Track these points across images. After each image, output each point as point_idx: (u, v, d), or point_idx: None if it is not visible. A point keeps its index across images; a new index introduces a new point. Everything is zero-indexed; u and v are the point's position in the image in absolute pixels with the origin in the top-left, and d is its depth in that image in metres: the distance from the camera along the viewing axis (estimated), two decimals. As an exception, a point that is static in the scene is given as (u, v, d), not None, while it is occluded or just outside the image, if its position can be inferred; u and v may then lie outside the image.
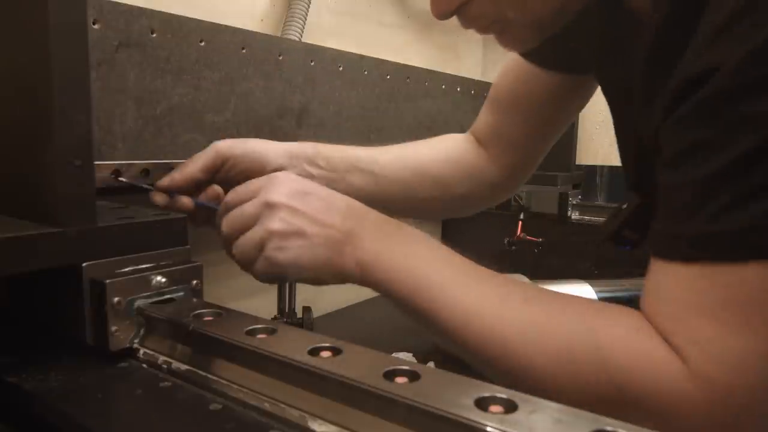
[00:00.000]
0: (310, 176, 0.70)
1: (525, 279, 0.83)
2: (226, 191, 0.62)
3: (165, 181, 0.64)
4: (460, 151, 0.82)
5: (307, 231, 0.52)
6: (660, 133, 0.44)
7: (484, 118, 0.84)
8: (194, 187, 0.65)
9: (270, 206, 0.53)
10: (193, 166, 0.65)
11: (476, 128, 0.85)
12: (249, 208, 0.54)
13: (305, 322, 0.89)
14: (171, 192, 0.64)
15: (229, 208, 0.56)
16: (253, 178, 0.58)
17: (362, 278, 0.53)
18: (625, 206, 0.63)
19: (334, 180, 0.72)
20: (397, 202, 0.77)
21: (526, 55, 0.76)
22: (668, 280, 0.43)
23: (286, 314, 0.91)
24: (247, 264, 0.54)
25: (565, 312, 0.47)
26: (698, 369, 0.41)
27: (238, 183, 0.58)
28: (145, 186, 0.66)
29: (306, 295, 1.13)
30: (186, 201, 0.64)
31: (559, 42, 0.70)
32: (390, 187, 0.76)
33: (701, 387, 0.41)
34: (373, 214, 0.56)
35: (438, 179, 0.79)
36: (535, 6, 0.53)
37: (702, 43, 0.40)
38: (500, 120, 0.81)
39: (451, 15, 0.55)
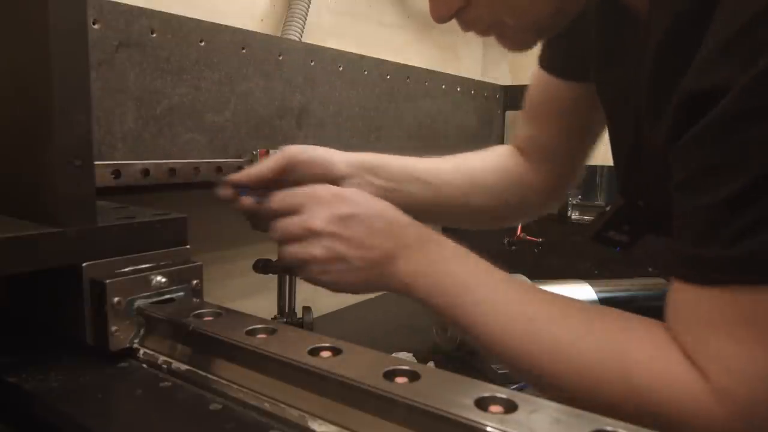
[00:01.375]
0: (371, 186, 0.72)
1: (525, 279, 0.83)
2: None
3: (237, 175, 0.66)
4: (507, 162, 0.83)
5: (348, 256, 0.55)
6: (670, 151, 0.44)
7: (521, 128, 0.85)
8: (262, 187, 0.65)
9: (313, 233, 0.55)
10: (264, 165, 0.66)
11: (517, 138, 0.85)
12: (293, 228, 0.57)
13: (305, 322, 0.89)
14: (240, 189, 0.65)
15: (276, 214, 0.59)
16: (317, 178, 0.63)
17: (405, 293, 0.56)
18: (608, 208, 0.63)
19: (394, 189, 0.74)
20: (453, 210, 0.80)
21: (543, 65, 0.76)
22: (688, 301, 0.44)
23: (286, 314, 0.91)
24: (302, 271, 0.57)
25: (592, 331, 0.48)
26: (719, 384, 0.42)
27: (306, 176, 0.64)
28: (214, 180, 0.68)
29: (306, 295, 1.13)
30: (248, 201, 0.65)
31: (569, 51, 0.70)
32: (446, 197, 0.78)
33: (722, 401, 0.42)
34: (413, 231, 0.57)
35: (490, 189, 0.81)
36: (531, 10, 0.54)
37: (709, 57, 0.40)
38: (536, 130, 0.82)
39: (450, 19, 0.56)
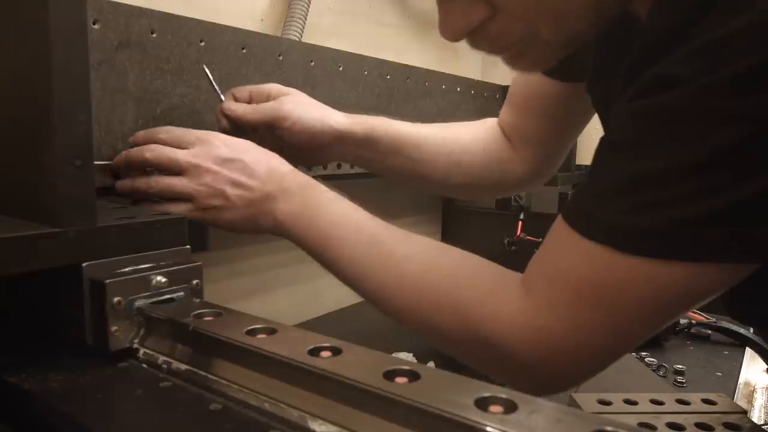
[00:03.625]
0: (355, 157, 0.80)
1: None
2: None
3: (239, 110, 0.72)
4: (492, 142, 0.85)
5: (228, 194, 0.59)
6: (615, 109, 0.47)
7: (504, 114, 0.86)
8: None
9: (197, 168, 0.60)
10: (261, 113, 0.72)
11: (501, 121, 0.87)
12: (179, 160, 0.60)
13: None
14: (233, 121, 0.72)
15: (163, 140, 0.63)
16: (300, 142, 0.73)
17: (279, 233, 0.61)
18: None
19: (375, 161, 0.81)
20: (432, 184, 0.87)
21: None
22: (560, 243, 0.49)
23: None
24: (169, 204, 0.61)
25: (440, 267, 0.55)
26: (537, 323, 0.48)
27: (289, 137, 0.72)
28: (221, 94, 0.75)
29: (306, 295, 1.13)
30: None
31: (578, 55, 0.69)
32: (426, 172, 0.83)
33: (535, 337, 0.48)
34: (293, 177, 0.62)
35: (471, 170, 0.85)
36: (569, 21, 0.50)
37: (677, 55, 0.41)
38: (516, 119, 0.83)
39: (464, 36, 0.52)
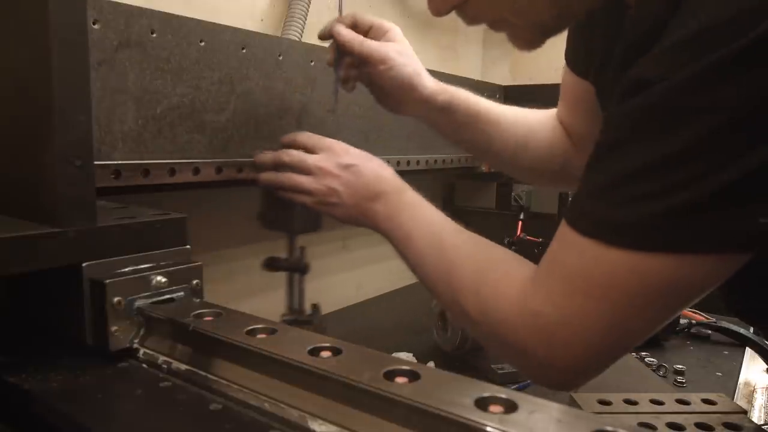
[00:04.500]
0: (432, 122, 0.87)
1: None
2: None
3: (346, 36, 0.79)
4: (556, 134, 0.88)
5: (341, 193, 0.72)
6: (606, 115, 0.50)
7: (559, 109, 0.88)
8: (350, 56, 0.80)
9: (322, 171, 0.73)
10: (365, 48, 0.78)
11: (558, 115, 0.88)
12: (309, 164, 0.74)
13: (315, 319, 0.89)
14: (341, 54, 0.80)
15: (299, 145, 0.76)
16: (387, 88, 0.81)
17: (376, 230, 0.72)
18: None
19: (450, 130, 0.88)
20: (502, 162, 0.93)
21: (565, 56, 0.78)
22: (559, 238, 0.52)
23: (296, 311, 0.92)
24: (298, 195, 0.74)
25: (473, 258, 0.62)
26: (533, 307, 0.51)
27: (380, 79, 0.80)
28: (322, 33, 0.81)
29: (308, 295, 1.13)
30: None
31: (584, 48, 0.71)
32: (497, 149, 0.88)
33: (531, 321, 0.51)
34: (392, 183, 0.73)
35: (535, 156, 0.88)
36: (532, 11, 0.55)
37: (665, 49, 0.44)
38: (569, 116, 0.85)
39: (447, 13, 0.59)
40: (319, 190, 0.73)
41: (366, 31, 0.80)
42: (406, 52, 0.80)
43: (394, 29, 0.81)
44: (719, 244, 0.44)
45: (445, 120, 0.85)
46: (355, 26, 0.80)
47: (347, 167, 0.73)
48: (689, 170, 0.42)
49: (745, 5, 0.40)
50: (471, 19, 0.59)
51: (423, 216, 0.69)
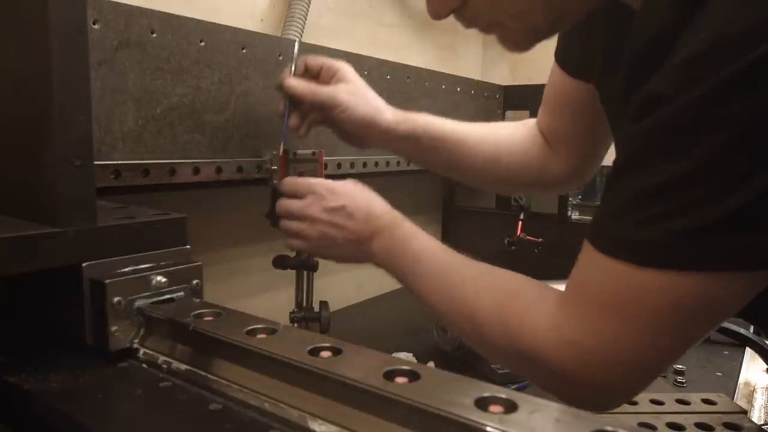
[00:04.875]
0: (398, 150, 0.89)
1: None
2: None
3: (298, 88, 0.79)
4: (531, 143, 0.88)
5: (335, 237, 0.72)
6: (621, 135, 0.50)
7: (540, 116, 0.88)
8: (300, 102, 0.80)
9: (310, 218, 0.72)
10: (317, 96, 0.79)
11: (537, 123, 0.88)
12: (295, 210, 0.74)
13: (322, 316, 0.90)
14: (291, 102, 0.80)
15: (284, 192, 0.76)
16: (349, 129, 0.81)
17: (376, 265, 0.72)
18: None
19: (417, 156, 0.89)
20: (472, 179, 0.94)
21: (556, 59, 0.78)
22: (585, 262, 0.51)
23: (304, 309, 0.92)
24: (294, 241, 0.75)
25: (490, 288, 0.60)
26: (568, 336, 0.51)
27: (339, 122, 0.80)
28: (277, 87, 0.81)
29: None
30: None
31: (580, 50, 0.71)
32: (465, 167, 0.88)
33: (567, 349, 0.51)
34: (385, 219, 0.71)
35: (508, 168, 0.88)
36: (529, 16, 0.56)
37: (679, 64, 0.43)
38: (551, 119, 0.85)
39: (446, 16, 0.59)
40: (311, 236, 0.73)
41: (318, 72, 0.81)
42: (357, 91, 0.81)
43: (344, 68, 0.82)
44: (749, 262, 0.43)
45: (410, 147, 0.86)
46: (306, 70, 0.81)
47: (335, 211, 0.72)
48: (712, 187, 0.42)
49: (758, 17, 0.39)
50: (468, 22, 0.59)
51: (424, 249, 0.68)
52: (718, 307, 0.47)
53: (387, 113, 0.83)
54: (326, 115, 0.81)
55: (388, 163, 1.15)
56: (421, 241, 0.69)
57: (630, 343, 0.48)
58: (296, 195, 0.74)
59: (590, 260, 0.50)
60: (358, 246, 0.71)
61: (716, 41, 0.41)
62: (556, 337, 0.51)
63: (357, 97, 0.81)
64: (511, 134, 0.89)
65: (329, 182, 0.75)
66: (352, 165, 1.04)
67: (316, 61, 0.82)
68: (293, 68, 0.80)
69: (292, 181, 0.77)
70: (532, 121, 0.90)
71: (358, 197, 0.73)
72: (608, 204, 0.49)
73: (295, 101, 0.79)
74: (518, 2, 0.55)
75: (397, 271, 0.69)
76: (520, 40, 0.60)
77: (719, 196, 0.42)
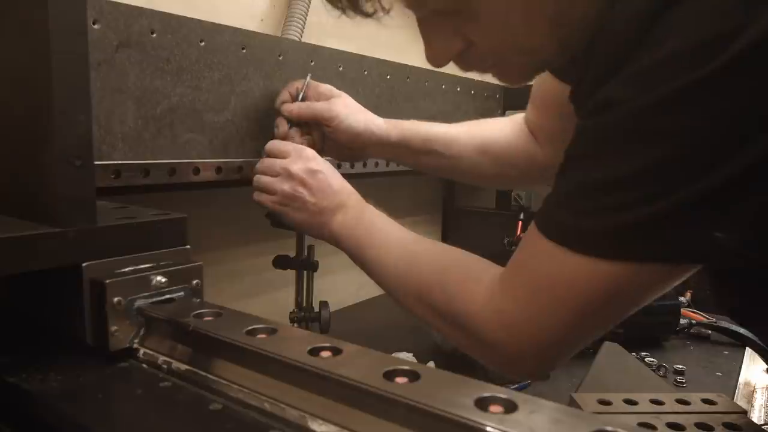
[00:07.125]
0: (392, 156, 0.95)
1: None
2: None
3: (294, 109, 0.84)
4: (519, 137, 0.91)
5: (305, 198, 0.75)
6: (576, 127, 0.53)
7: (528, 112, 0.91)
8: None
9: (288, 173, 0.76)
10: (313, 111, 0.84)
11: (525, 118, 0.91)
12: (277, 166, 0.77)
13: (323, 316, 0.90)
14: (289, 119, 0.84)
15: (269, 153, 0.80)
16: (343, 141, 0.86)
17: (331, 241, 0.76)
18: None
19: (410, 160, 0.93)
20: (464, 176, 0.99)
21: None
22: (527, 242, 0.56)
23: (304, 309, 0.93)
24: (260, 195, 0.78)
25: (438, 261, 0.66)
26: (500, 305, 0.56)
27: (334, 135, 0.85)
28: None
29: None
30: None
31: None
32: (456, 166, 0.93)
33: (497, 317, 0.56)
34: (354, 198, 0.76)
35: (496, 162, 0.92)
36: (540, 53, 0.57)
37: (632, 73, 0.47)
38: (538, 117, 0.88)
39: (447, 63, 0.60)
40: (282, 191, 0.75)
41: (314, 97, 0.86)
42: (351, 104, 0.87)
43: (330, 87, 0.87)
44: (674, 256, 0.48)
45: (403, 152, 0.90)
46: (296, 93, 0.86)
47: (313, 172, 0.75)
48: (647, 188, 0.46)
49: (710, 33, 0.42)
50: (471, 66, 0.60)
51: (382, 227, 0.72)
52: (642, 293, 0.52)
53: (379, 121, 0.88)
54: (323, 130, 0.85)
55: (387, 164, 1.15)
56: (384, 223, 0.74)
57: (554, 319, 0.53)
58: (281, 155, 0.78)
59: (532, 241, 0.54)
60: (319, 215, 0.75)
61: (672, 54, 0.44)
62: (488, 304, 0.57)
63: (350, 109, 0.86)
64: (498, 129, 0.93)
65: (315, 152, 0.79)
66: (352, 165, 1.04)
67: (316, 89, 0.87)
68: (300, 97, 0.85)
69: (278, 142, 0.80)
70: (519, 116, 0.92)
71: (336, 173, 0.78)
72: (555, 191, 0.53)
73: (293, 123, 0.84)
74: (532, 38, 0.55)
75: (349, 243, 0.73)
76: (522, 75, 0.62)
77: (651, 199, 0.46)
